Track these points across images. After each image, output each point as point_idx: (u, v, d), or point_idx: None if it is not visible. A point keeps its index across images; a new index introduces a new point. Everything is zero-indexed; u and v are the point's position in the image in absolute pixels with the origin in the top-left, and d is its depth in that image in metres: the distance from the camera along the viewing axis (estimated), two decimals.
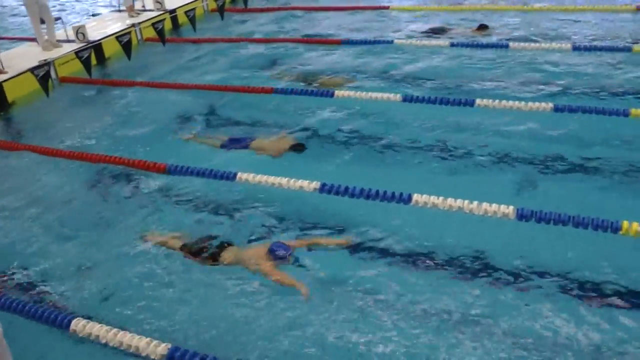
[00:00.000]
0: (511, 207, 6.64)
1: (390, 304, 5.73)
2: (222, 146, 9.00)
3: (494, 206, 6.69)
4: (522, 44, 12.04)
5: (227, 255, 6.53)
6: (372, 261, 6.36)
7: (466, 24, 14.12)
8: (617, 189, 7.40)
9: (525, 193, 7.46)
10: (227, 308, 5.86)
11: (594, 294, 5.65)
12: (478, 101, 9.40)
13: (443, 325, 5.41)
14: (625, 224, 6.14)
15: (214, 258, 6.52)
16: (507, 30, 13.59)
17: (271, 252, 6.34)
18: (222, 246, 6.64)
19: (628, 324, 5.28)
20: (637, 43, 11.81)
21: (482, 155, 8.28)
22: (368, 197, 7.26)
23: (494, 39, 12.85)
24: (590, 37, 12.77)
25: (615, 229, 6.16)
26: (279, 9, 17.25)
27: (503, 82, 10.62)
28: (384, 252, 6.46)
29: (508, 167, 8.02)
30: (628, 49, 11.43)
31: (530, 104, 9.17)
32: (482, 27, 13.37)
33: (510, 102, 9.30)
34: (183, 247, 6.72)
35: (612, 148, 8.25)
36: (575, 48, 11.64)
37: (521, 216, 6.56)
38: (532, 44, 12.04)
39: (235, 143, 9.02)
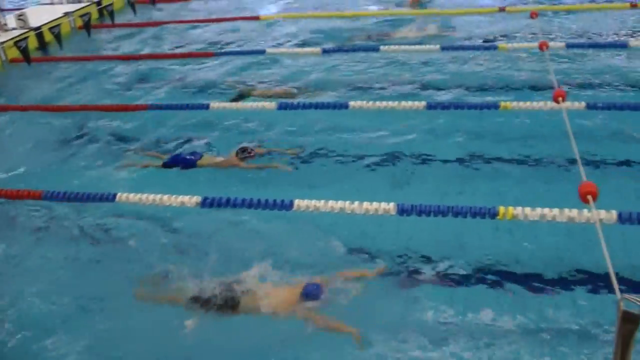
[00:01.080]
0: (392, 204, 6.58)
1: None
2: (166, 166, 8.44)
3: (375, 204, 6.61)
4: (392, 47, 12.16)
5: (249, 301, 5.65)
6: None
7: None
8: (490, 177, 7.59)
9: (404, 188, 7.53)
10: None
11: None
12: (352, 103, 9.36)
13: None
14: (502, 209, 6.20)
15: (234, 307, 5.65)
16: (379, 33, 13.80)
17: (308, 295, 5.58)
18: (241, 292, 5.72)
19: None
20: (501, 41, 12.21)
21: (357, 158, 8.30)
22: (250, 206, 7.01)
23: (365, 44, 12.96)
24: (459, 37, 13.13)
25: (493, 214, 6.21)
26: (147, 24, 16.73)
27: (377, 84, 10.68)
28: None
29: (387, 166, 8.04)
30: (494, 47, 11.78)
31: (403, 103, 9.22)
32: None
33: (384, 103, 9.31)
34: (195, 299, 5.77)
35: (484, 139, 8.47)
36: (444, 48, 11.88)
37: (402, 211, 6.51)
38: (403, 46, 12.18)
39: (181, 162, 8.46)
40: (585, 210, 5.92)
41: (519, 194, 7.10)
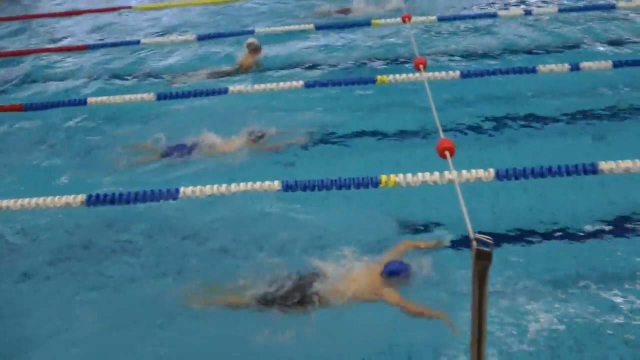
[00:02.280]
0: (276, 182, 6.68)
1: None
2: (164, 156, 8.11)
3: (259, 183, 6.67)
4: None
5: (326, 292, 5.12)
6: None
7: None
8: (373, 147, 7.91)
9: (289, 170, 7.68)
10: None
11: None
12: (231, 87, 9.35)
13: None
14: (384, 177, 6.42)
15: (303, 301, 5.13)
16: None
17: (392, 273, 5.17)
18: (312, 283, 5.21)
19: None
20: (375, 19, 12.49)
21: None
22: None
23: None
24: None
25: (376, 183, 6.44)
26: (10, 18, 16.00)
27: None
28: None
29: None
30: (367, 23, 12.04)
31: (281, 83, 9.31)
32: None
33: (263, 85, 9.36)
34: (262, 299, 5.25)
35: (362, 112, 8.77)
36: (318, 27, 12.08)
37: (287, 187, 6.62)
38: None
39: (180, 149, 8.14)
40: (464, 171, 6.25)
41: (400, 160, 7.44)
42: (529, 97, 9.03)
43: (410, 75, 8.81)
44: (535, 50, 10.78)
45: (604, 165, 6.23)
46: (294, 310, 5.16)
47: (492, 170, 6.30)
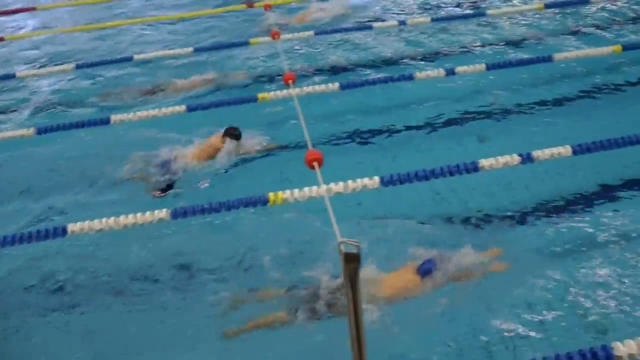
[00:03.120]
0: (165, 210, 6.45)
1: None
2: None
3: (148, 214, 6.44)
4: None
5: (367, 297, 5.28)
6: None
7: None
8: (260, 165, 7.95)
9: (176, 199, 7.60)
10: None
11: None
12: (113, 117, 9.03)
13: None
14: (272, 195, 6.33)
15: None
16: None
17: (426, 272, 5.63)
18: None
19: None
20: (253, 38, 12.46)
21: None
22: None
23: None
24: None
25: (264, 201, 6.33)
26: None
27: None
28: None
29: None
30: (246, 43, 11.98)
31: (164, 109, 9.08)
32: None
33: (146, 112, 9.08)
34: (297, 313, 5.45)
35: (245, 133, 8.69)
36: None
37: (175, 215, 6.41)
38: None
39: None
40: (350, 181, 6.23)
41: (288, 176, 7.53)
42: (408, 104, 9.24)
43: (284, 91, 8.63)
44: (410, 60, 11.07)
45: (484, 162, 6.41)
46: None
47: (376, 178, 6.35)
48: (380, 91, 9.37)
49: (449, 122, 9.03)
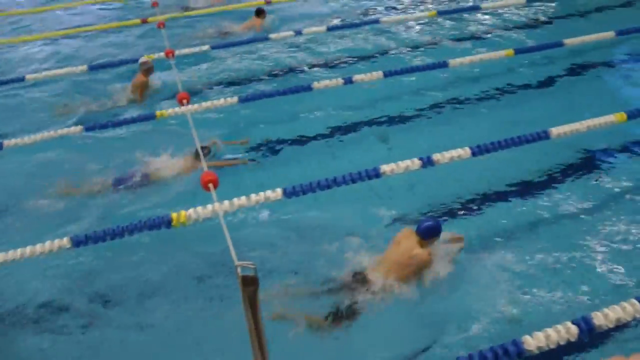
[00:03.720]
0: (65, 239, 6.17)
1: None
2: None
3: (48, 244, 6.14)
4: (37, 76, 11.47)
5: (373, 274, 5.79)
6: None
7: None
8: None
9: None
10: None
11: None
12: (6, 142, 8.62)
13: None
14: (174, 215, 6.18)
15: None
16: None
17: (424, 230, 5.78)
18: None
19: None
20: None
21: None
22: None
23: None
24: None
25: (168, 222, 6.16)
26: None
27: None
28: None
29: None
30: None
31: (59, 130, 8.74)
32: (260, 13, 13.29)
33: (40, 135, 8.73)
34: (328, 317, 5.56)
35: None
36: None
37: (77, 243, 6.15)
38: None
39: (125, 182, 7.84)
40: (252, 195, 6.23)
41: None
42: (309, 113, 9.31)
43: (182, 108, 8.49)
44: (309, 69, 11.14)
45: (386, 168, 6.54)
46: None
47: (279, 190, 6.35)
48: (280, 102, 9.32)
49: (351, 129, 9.10)
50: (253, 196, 6.21)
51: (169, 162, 8.14)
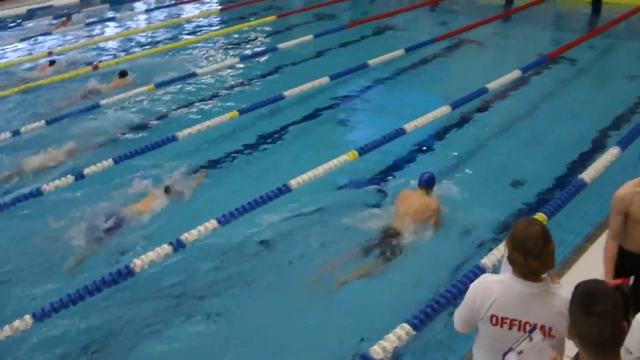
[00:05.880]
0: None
1: None
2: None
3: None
4: None
5: (400, 227, 7.22)
6: None
7: None
8: None
9: None
10: None
11: None
12: None
13: None
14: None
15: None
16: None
17: (428, 181, 7.38)
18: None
19: None
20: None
21: None
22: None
23: None
24: None
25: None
26: None
27: None
28: None
29: None
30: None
31: None
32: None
33: None
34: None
35: None
36: None
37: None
38: None
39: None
40: None
41: None
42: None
43: None
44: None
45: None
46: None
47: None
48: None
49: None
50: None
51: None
